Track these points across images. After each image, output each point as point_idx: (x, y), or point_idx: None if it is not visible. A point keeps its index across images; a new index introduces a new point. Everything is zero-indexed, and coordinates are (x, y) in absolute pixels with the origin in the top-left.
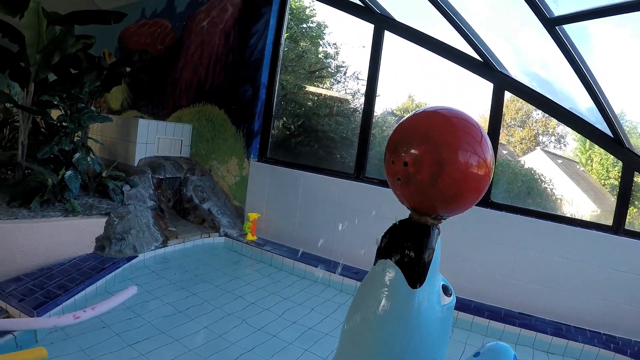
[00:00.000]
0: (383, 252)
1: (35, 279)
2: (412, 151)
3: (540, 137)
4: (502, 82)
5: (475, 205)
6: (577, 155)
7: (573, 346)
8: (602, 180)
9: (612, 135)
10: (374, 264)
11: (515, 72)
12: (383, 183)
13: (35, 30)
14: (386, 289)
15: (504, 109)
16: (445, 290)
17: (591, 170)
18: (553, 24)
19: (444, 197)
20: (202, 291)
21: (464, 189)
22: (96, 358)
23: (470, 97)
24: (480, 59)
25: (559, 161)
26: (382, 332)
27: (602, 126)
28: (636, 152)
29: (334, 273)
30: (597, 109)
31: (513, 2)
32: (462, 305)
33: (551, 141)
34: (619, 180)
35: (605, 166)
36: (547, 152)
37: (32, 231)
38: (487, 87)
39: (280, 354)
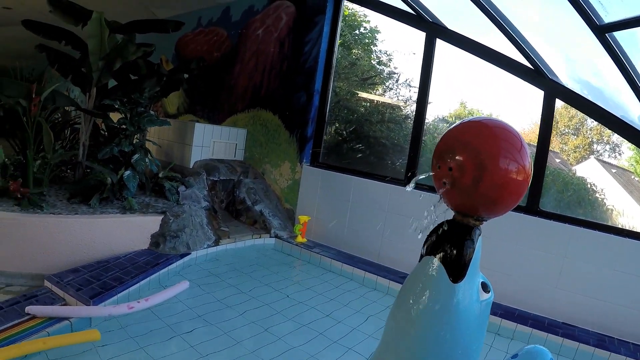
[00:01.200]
0: (428, 249)
1: (92, 271)
2: (457, 157)
3: (595, 146)
4: (553, 90)
5: (524, 214)
6: (632, 165)
7: (615, 358)
8: None
9: None
10: (419, 261)
11: (566, 79)
12: (433, 189)
13: (98, 38)
14: (429, 284)
15: (557, 116)
16: (484, 287)
17: None
18: (603, 31)
19: (484, 200)
20: (251, 289)
21: (503, 193)
22: (146, 346)
23: (522, 105)
24: (531, 66)
25: (613, 170)
26: (423, 323)
27: None
28: None
29: (381, 277)
30: None
31: (563, 9)
32: (506, 313)
33: (606, 150)
34: None
35: None
36: (601, 161)
37: (91, 226)
38: (538, 95)
39: (325, 352)
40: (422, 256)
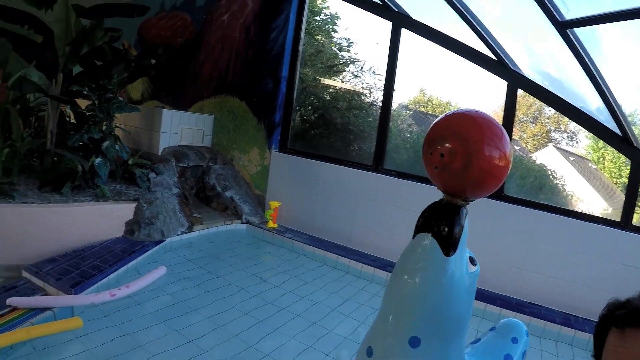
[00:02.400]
0: (422, 227)
1: (69, 260)
2: (447, 145)
3: (553, 134)
4: (515, 80)
5: (490, 199)
6: (589, 152)
7: (580, 336)
8: (614, 179)
9: (621, 134)
10: (413, 238)
11: (528, 70)
12: (401, 175)
13: (64, 23)
14: (424, 257)
15: (517, 104)
16: (472, 260)
17: (603, 168)
18: (564, 27)
19: (472, 183)
20: (227, 274)
21: (488, 177)
22: (131, 333)
23: (484, 94)
24: (494, 57)
25: (571, 158)
26: (420, 294)
27: (612, 125)
28: None
29: (353, 260)
30: (606, 109)
31: (526, 4)
32: (478, 295)
33: (563, 138)
34: (628, 176)
35: (618, 164)
36: (559, 148)
37: (65, 215)
38: (500, 85)
39: (306, 331)
40: (416, 232)
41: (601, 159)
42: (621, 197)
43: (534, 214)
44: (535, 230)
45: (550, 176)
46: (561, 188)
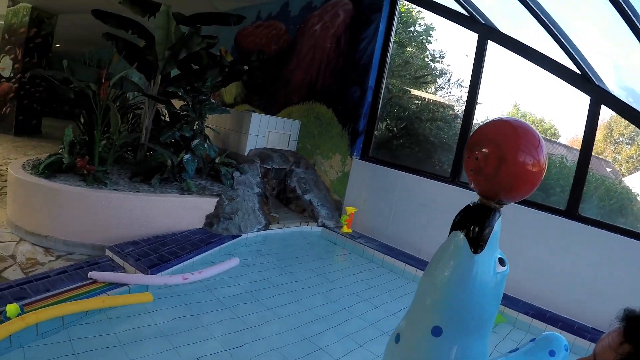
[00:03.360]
0: (456, 226)
1: (150, 244)
2: (482, 150)
3: None
4: (599, 96)
5: (563, 217)
6: None
7: None
8: None
9: None
10: (448, 235)
11: (612, 86)
12: None
13: (165, 30)
14: (454, 253)
15: (612, 124)
16: (502, 261)
17: None
18: None
19: (503, 186)
20: (296, 271)
21: (519, 182)
22: (198, 314)
23: (571, 110)
24: (578, 71)
25: None
26: (447, 287)
27: None
28: None
29: (420, 270)
30: None
31: (611, 16)
32: (538, 314)
33: None
34: None
35: None
36: None
37: (151, 203)
38: (585, 100)
39: (362, 332)
40: (451, 230)
41: None
42: None
43: (606, 237)
44: (606, 254)
45: (634, 199)
46: None
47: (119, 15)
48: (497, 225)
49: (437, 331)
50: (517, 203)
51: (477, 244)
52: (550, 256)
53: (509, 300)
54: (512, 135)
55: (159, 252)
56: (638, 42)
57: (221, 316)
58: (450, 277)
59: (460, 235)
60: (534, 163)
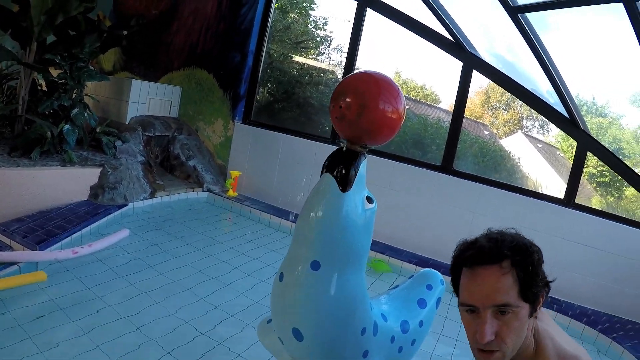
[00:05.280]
0: (325, 168)
1: (35, 220)
2: (346, 99)
3: (525, 122)
4: (471, 62)
5: (439, 172)
6: (558, 141)
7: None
8: None
9: (568, 117)
10: (320, 178)
11: (484, 53)
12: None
13: None
14: (324, 192)
15: (489, 91)
16: (369, 200)
17: (571, 157)
18: (516, 12)
19: (365, 131)
20: (185, 237)
21: (380, 126)
22: (92, 287)
23: (448, 76)
24: (452, 39)
25: (539, 145)
26: (319, 224)
27: (560, 108)
28: (590, 134)
29: None
30: (554, 92)
31: None
32: (422, 262)
33: (535, 126)
34: (572, 158)
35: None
36: (528, 135)
37: (33, 178)
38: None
39: (256, 288)
40: (321, 173)
41: (570, 148)
42: (586, 185)
43: (479, 188)
44: (480, 203)
45: (506, 157)
46: (517, 168)
47: None
48: (363, 167)
49: (315, 265)
50: (395, 160)
51: (345, 183)
52: (429, 207)
53: (393, 251)
54: (373, 85)
55: (45, 227)
56: (505, 12)
57: (116, 286)
58: (323, 214)
59: (329, 177)
60: (393, 110)
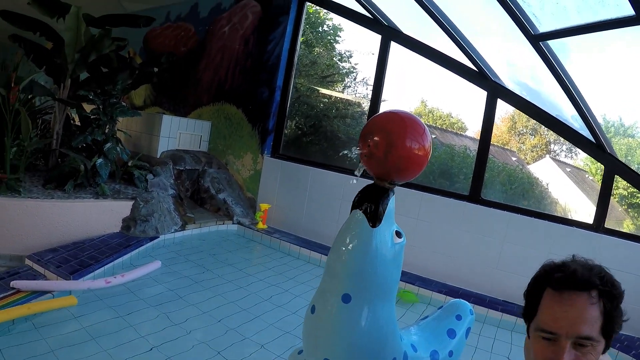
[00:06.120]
0: (355, 205)
1: (69, 251)
2: (374, 137)
3: (552, 146)
4: (495, 90)
5: (467, 202)
6: (587, 164)
7: None
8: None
9: (594, 141)
10: (350, 214)
11: (507, 82)
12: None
13: (75, 32)
14: (355, 228)
15: (515, 117)
16: (398, 234)
17: (600, 180)
18: (537, 40)
19: (393, 168)
20: (215, 268)
21: (407, 164)
22: (123, 315)
23: (474, 105)
24: (475, 69)
25: (568, 169)
26: (350, 258)
27: (586, 133)
28: (617, 157)
29: None
30: (579, 116)
31: (503, 17)
32: (451, 292)
33: (562, 150)
34: (600, 181)
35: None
36: (556, 160)
37: (67, 210)
38: (484, 95)
39: (286, 319)
40: (351, 209)
41: (599, 171)
42: (617, 208)
43: (507, 217)
44: (509, 232)
45: (534, 183)
46: (546, 194)
47: (25, 15)
48: (392, 202)
49: (346, 298)
50: (423, 191)
51: (374, 219)
52: (458, 237)
53: (422, 281)
54: (399, 124)
55: (78, 257)
56: (527, 40)
57: (147, 316)
58: (353, 248)
59: (359, 213)
60: (419, 148)
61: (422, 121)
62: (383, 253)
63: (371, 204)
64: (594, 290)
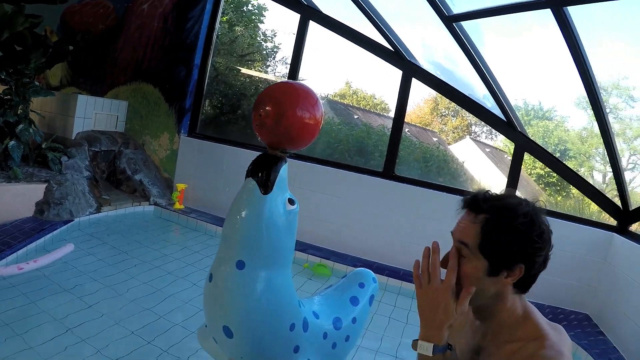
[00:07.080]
0: (249, 173)
1: None
2: (266, 107)
3: (473, 127)
4: (410, 70)
5: (381, 178)
6: (506, 145)
7: None
8: (529, 170)
9: (505, 120)
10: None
11: (422, 61)
12: (309, 159)
13: None
14: (247, 195)
15: (438, 99)
16: (291, 201)
17: None
18: (450, 21)
19: (284, 137)
20: (131, 250)
21: (297, 133)
22: (36, 300)
23: (393, 86)
24: (391, 48)
25: (487, 150)
26: (242, 225)
27: (497, 112)
28: (527, 135)
29: None
30: (491, 96)
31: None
32: (366, 265)
33: (483, 132)
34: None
35: (532, 157)
36: (476, 141)
37: None
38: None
39: (200, 297)
40: (245, 177)
41: None
42: (534, 186)
43: (422, 192)
44: (419, 206)
45: (450, 161)
46: (463, 172)
47: None
48: (284, 170)
49: (240, 264)
50: (339, 168)
51: (265, 186)
52: (373, 212)
53: (338, 256)
54: (291, 93)
55: None
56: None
57: (61, 300)
58: (246, 215)
59: (251, 181)
60: (310, 117)
61: (315, 92)
62: (275, 220)
63: (263, 172)
64: (482, 214)
